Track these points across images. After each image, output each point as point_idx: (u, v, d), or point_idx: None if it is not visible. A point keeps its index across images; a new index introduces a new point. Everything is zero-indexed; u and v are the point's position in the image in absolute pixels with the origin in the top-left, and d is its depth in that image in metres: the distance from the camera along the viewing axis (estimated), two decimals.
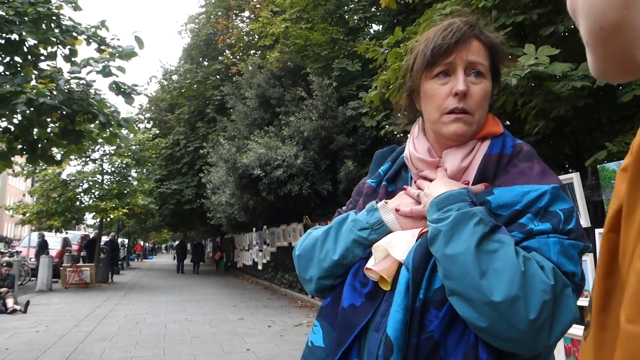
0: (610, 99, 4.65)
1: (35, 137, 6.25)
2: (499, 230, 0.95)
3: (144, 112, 28.08)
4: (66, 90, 5.71)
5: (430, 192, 1.05)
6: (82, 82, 6.17)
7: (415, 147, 1.18)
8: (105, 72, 6.02)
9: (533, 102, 4.10)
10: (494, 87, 1.15)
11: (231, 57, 22.10)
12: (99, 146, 17.53)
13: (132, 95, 6.25)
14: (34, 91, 5.36)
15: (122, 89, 6.20)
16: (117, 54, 6.09)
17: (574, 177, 3.61)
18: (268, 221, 15.51)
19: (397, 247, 1.05)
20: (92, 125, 6.39)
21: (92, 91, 6.07)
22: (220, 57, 23.32)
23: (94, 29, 6.33)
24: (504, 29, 4.32)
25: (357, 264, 1.10)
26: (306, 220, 12.40)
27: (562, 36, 4.45)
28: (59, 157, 7.47)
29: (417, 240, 1.05)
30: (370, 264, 1.06)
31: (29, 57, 6.05)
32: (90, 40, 6.25)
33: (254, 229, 18.17)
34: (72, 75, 6.07)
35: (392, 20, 11.36)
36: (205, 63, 24.79)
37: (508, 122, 6.43)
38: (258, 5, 19.37)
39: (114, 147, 17.78)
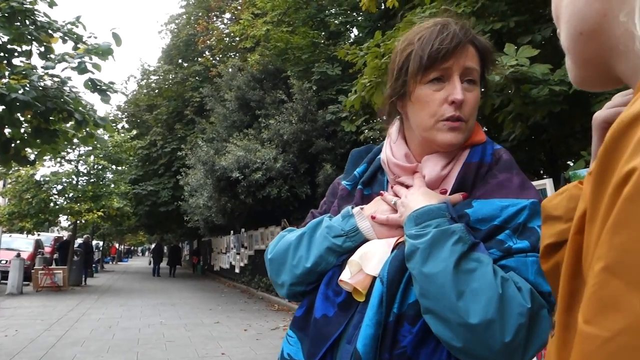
0: (585, 107, 4.74)
1: (8, 137, 6.09)
2: (477, 248, 0.93)
3: (121, 112, 27.71)
4: (40, 87, 5.58)
5: (408, 203, 1.03)
6: (56, 79, 6.03)
7: (392, 151, 1.15)
8: (81, 69, 5.90)
9: (510, 107, 4.15)
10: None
11: (211, 58, 21.96)
12: (75, 147, 17.23)
13: (109, 93, 6.13)
14: (5, 87, 5.22)
15: (98, 87, 6.08)
16: (93, 50, 5.97)
17: (547, 183, 3.70)
18: (246, 224, 15.42)
19: (371, 261, 1.02)
20: (68, 125, 6.25)
21: (67, 88, 5.93)
22: (200, 59, 23.16)
23: (70, 26, 6.20)
24: (483, 35, 4.37)
25: (331, 272, 1.08)
26: (284, 224, 12.35)
27: (539, 44, 4.52)
28: (32, 157, 7.30)
29: (392, 251, 1.02)
30: (344, 276, 1.03)
31: (2, 53, 5.90)
32: (67, 38, 6.12)
33: (232, 232, 18.05)
34: (46, 72, 5.93)
35: (373, 25, 11.41)
36: (185, 64, 24.59)
37: (486, 128, 6.50)
38: (239, 7, 19.30)
39: (90, 148, 17.51)
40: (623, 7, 0.44)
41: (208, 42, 21.27)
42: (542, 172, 8.39)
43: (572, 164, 9.23)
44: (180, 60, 24.89)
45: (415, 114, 1.08)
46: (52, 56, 6.15)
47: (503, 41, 4.70)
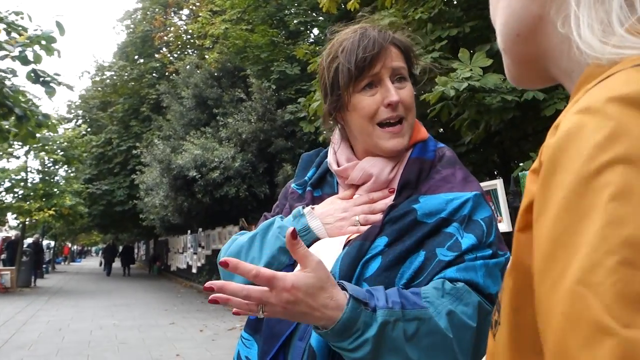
0: (536, 111, 4.91)
1: None
2: (408, 306, 0.90)
3: (73, 109, 26.86)
4: None
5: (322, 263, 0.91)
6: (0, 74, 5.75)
7: (337, 159, 1.18)
8: (21, 58, 5.62)
9: (466, 114, 4.26)
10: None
11: (168, 55, 21.55)
12: (20, 145, 16.53)
13: (52, 85, 5.86)
14: None
15: (40, 78, 5.80)
16: (35, 39, 5.69)
17: (498, 184, 3.81)
18: (203, 224, 15.21)
19: (323, 258, 1.03)
20: (7, 123, 5.94)
21: (7, 82, 5.65)
22: (156, 55, 22.70)
23: (14, 16, 5.92)
24: (440, 41, 4.46)
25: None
26: (242, 223, 12.25)
27: (496, 52, 4.67)
28: None
29: (344, 248, 1.04)
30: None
31: None
32: (10, 30, 5.84)
33: (189, 231, 17.77)
34: None
35: (332, 28, 11.45)
36: (141, 60, 24.04)
37: (442, 130, 6.64)
38: (197, 4, 19.00)
39: (40, 144, 16.88)
40: (559, 11, 0.46)
41: (165, 38, 20.88)
42: (495, 173, 8.63)
43: (523, 165, 9.57)
44: (136, 57, 24.33)
45: (355, 122, 1.11)
46: None
47: (459, 46, 4.82)
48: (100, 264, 31.78)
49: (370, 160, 1.12)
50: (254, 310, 0.88)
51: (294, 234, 0.85)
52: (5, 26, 5.78)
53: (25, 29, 5.91)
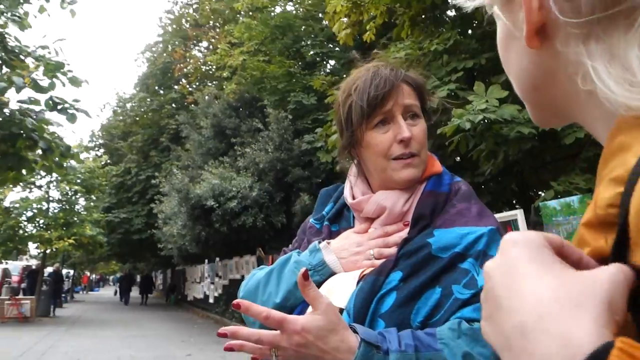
0: (554, 140, 4.87)
1: None
2: (422, 349, 0.90)
3: (95, 139, 27.40)
4: (7, 112, 5.45)
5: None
6: (24, 105, 5.90)
7: (353, 193, 1.19)
8: (35, 86, 5.77)
9: (483, 145, 4.26)
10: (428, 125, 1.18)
11: (187, 86, 21.98)
12: (44, 175, 16.86)
13: (70, 112, 5.99)
14: None
15: (58, 105, 5.94)
16: (47, 65, 5.84)
17: (518, 214, 3.77)
18: (220, 253, 15.23)
19: (337, 294, 1.04)
20: (35, 153, 6.07)
21: (32, 113, 5.80)
22: (176, 86, 23.16)
23: (41, 51, 6.11)
24: (456, 73, 4.49)
25: (300, 307, 1.08)
26: (259, 253, 12.24)
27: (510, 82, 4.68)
28: None
29: (358, 283, 1.03)
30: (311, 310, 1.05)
31: None
32: (39, 65, 6.03)
33: (206, 260, 17.78)
34: (6, 98, 5.77)
35: (348, 57, 11.60)
36: (161, 92, 24.54)
37: (459, 159, 6.62)
38: (216, 37, 19.44)
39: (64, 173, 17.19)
40: (573, 67, 0.47)
41: (185, 70, 21.32)
42: (514, 202, 8.54)
43: (542, 194, 9.45)
44: (156, 88, 24.85)
45: (369, 158, 1.13)
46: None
47: (475, 78, 4.84)
48: (115, 293, 31.83)
49: (384, 194, 1.13)
50: (267, 354, 0.89)
51: (306, 276, 0.87)
52: (34, 60, 5.97)
53: (57, 64, 6.09)
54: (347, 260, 1.10)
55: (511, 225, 4.09)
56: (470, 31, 5.92)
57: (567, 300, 0.35)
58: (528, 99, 0.56)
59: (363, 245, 1.10)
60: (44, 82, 5.94)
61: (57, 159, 6.08)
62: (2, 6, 6.17)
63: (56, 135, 6.18)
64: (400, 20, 6.73)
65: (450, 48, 4.94)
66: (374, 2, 6.50)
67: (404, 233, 1.09)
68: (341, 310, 1.01)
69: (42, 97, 5.95)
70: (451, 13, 7.19)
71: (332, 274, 1.10)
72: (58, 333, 12.79)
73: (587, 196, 3.66)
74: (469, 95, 4.01)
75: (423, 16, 6.63)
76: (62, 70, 5.87)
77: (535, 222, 3.77)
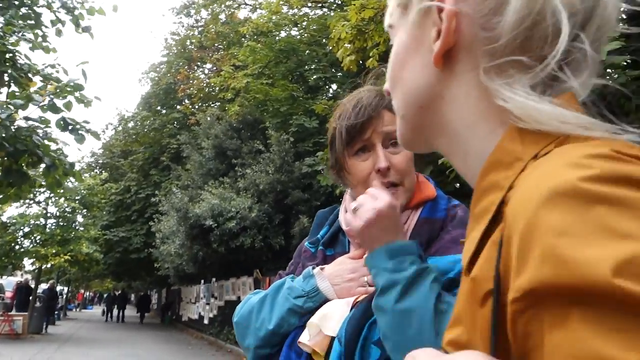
0: None
1: None
2: (452, 290, 0.94)
3: (96, 158, 27.48)
4: (13, 127, 5.50)
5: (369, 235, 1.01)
6: (32, 122, 5.95)
7: (345, 219, 1.18)
8: (51, 107, 5.84)
9: None
10: None
11: (190, 106, 22.14)
12: (43, 190, 16.86)
13: (81, 133, 6.04)
14: None
15: (70, 126, 5.99)
16: (64, 87, 5.91)
17: None
18: (217, 274, 15.15)
19: (330, 322, 1.03)
20: (38, 170, 6.11)
21: (39, 131, 5.86)
22: (179, 106, 23.32)
23: (49, 69, 6.20)
24: None
25: (293, 334, 1.08)
26: (257, 274, 12.17)
27: None
28: None
29: (351, 309, 1.03)
30: (303, 338, 1.04)
31: None
32: (45, 82, 6.11)
33: (202, 281, 17.67)
34: (14, 110, 5.82)
35: (351, 83, 11.73)
36: (164, 111, 24.70)
37: (458, 185, 6.63)
38: (220, 59, 19.66)
39: (61, 191, 17.18)
40: (477, 90, 0.51)
41: (188, 90, 21.49)
42: None
43: None
44: (159, 108, 25.02)
45: (352, 184, 1.14)
46: (18, 95, 6.08)
47: None
48: (103, 313, 31.57)
49: None
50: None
51: None
52: (42, 79, 6.04)
53: (59, 81, 6.16)
54: (341, 287, 1.08)
55: None
56: None
57: None
58: (408, 118, 0.59)
59: (357, 272, 1.08)
60: (59, 102, 6.00)
61: (58, 176, 6.08)
62: (15, 28, 6.29)
63: (60, 152, 6.21)
64: None
65: None
66: (378, 30, 6.60)
67: None
68: (333, 338, 1.00)
69: (53, 117, 5.99)
70: None
71: (326, 300, 1.09)
72: (49, 351, 12.63)
73: None
74: None
75: None
76: (69, 90, 5.94)
77: None
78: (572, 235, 0.34)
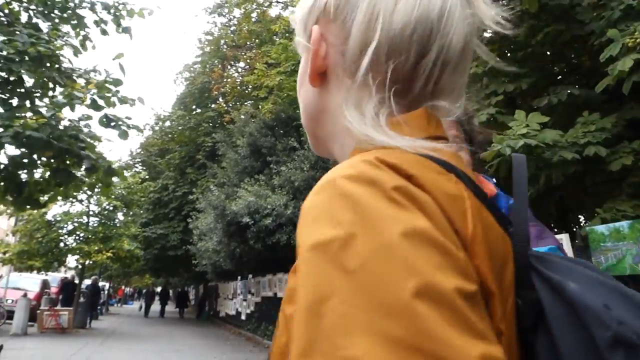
0: (597, 164, 4.78)
1: (23, 180, 6.16)
2: None
3: (134, 157, 28.12)
4: (59, 126, 5.69)
5: None
6: (77, 123, 6.14)
7: None
8: (93, 105, 6.02)
9: None
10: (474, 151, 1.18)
11: (224, 105, 22.41)
12: (86, 189, 17.37)
13: (123, 128, 6.21)
14: (22, 125, 5.34)
15: (112, 122, 6.16)
16: (104, 82, 6.10)
17: (564, 238, 3.71)
18: (254, 270, 15.32)
19: None
20: (81, 171, 6.32)
21: (84, 129, 6.05)
22: (213, 105, 23.63)
23: (92, 74, 6.39)
24: (496, 96, 4.47)
25: None
26: None
27: (552, 107, 4.60)
28: (44, 201, 7.33)
29: None
30: None
31: (27, 98, 6.07)
32: (87, 84, 6.30)
33: (239, 277, 17.91)
34: (59, 110, 6.02)
35: None
36: (199, 110, 25.09)
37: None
38: (253, 57, 19.82)
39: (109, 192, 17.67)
40: (339, 109, 0.59)
41: (222, 89, 21.75)
42: (552, 225, 8.36)
43: (582, 218, 9.20)
44: (194, 107, 25.43)
45: None
46: (59, 96, 6.27)
47: (516, 103, 4.80)
48: (140, 308, 32.52)
49: None
50: None
51: None
52: (84, 81, 6.23)
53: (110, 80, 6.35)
54: None
55: (563, 249, 3.98)
56: (509, 54, 5.89)
57: None
58: (307, 129, 0.68)
59: None
60: (101, 100, 6.20)
61: (104, 177, 6.28)
62: (59, 32, 6.51)
63: (101, 154, 6.39)
64: None
65: (490, 71, 4.93)
66: None
67: None
68: None
69: (95, 114, 6.19)
70: (487, 35, 7.18)
71: None
72: (94, 345, 13.03)
73: (637, 222, 3.57)
74: (509, 121, 3.99)
75: None
76: (112, 91, 6.12)
77: (580, 248, 3.69)
78: (307, 216, 0.45)
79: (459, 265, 0.40)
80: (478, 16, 0.59)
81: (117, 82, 6.26)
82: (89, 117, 6.24)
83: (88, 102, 6.12)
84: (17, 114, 5.71)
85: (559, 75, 5.31)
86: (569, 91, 4.47)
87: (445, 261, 0.39)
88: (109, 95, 6.20)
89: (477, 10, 0.59)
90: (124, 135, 6.28)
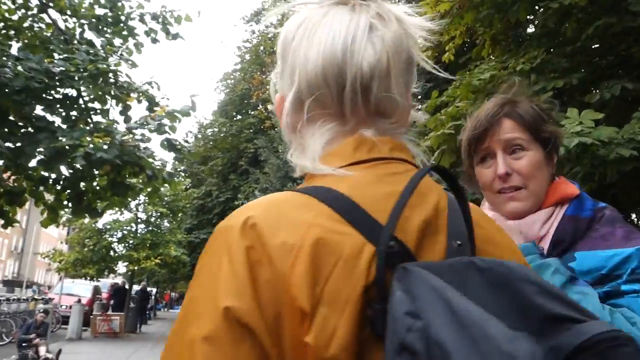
0: None
1: (82, 190, 6.44)
2: (577, 282, 0.97)
3: (178, 165, 28.76)
4: (119, 144, 5.93)
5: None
6: (137, 138, 6.38)
7: None
8: (160, 131, 6.25)
9: (578, 168, 4.11)
10: (551, 152, 1.18)
11: (264, 111, 22.68)
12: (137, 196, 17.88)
13: (180, 149, 6.44)
14: (91, 145, 5.59)
15: (174, 146, 6.40)
16: (173, 113, 6.33)
17: None
18: None
19: None
20: (135, 180, 6.55)
21: (142, 146, 6.28)
22: (254, 112, 23.94)
23: (146, 86, 6.63)
24: (545, 92, 4.39)
25: None
26: None
27: (604, 103, 4.47)
28: (100, 209, 7.62)
29: None
30: None
31: (84, 112, 6.35)
32: (141, 99, 6.54)
33: None
34: (129, 132, 6.29)
35: (426, 78, 11.55)
36: (239, 117, 25.47)
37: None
38: None
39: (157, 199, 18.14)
40: (299, 126, 0.69)
41: (262, 95, 22.03)
42: None
43: (634, 216, 8.87)
44: (235, 113, 25.83)
45: (482, 190, 1.22)
46: (130, 114, 6.54)
47: (565, 100, 4.69)
48: None
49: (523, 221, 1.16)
50: None
51: None
52: (138, 94, 6.49)
53: (152, 98, 6.58)
54: None
55: None
56: (557, 49, 5.76)
57: None
58: (289, 142, 0.77)
59: None
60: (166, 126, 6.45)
61: (157, 185, 6.51)
62: (114, 48, 6.79)
63: (160, 163, 6.63)
64: (480, 40, 6.67)
65: (538, 67, 4.84)
66: (454, 23, 6.49)
67: None
68: None
69: (156, 137, 6.44)
70: (530, 30, 7.02)
71: None
72: (145, 349, 13.38)
73: None
74: (560, 118, 3.91)
75: (504, 34, 6.53)
76: (177, 115, 6.36)
77: None
78: None
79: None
80: (399, 31, 0.66)
81: (186, 114, 6.50)
82: (149, 140, 6.48)
83: (153, 127, 6.36)
84: (81, 130, 5.96)
85: (608, 70, 5.16)
86: (622, 85, 4.34)
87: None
88: (176, 124, 6.45)
89: (395, 25, 0.65)
90: (180, 160, 6.55)
